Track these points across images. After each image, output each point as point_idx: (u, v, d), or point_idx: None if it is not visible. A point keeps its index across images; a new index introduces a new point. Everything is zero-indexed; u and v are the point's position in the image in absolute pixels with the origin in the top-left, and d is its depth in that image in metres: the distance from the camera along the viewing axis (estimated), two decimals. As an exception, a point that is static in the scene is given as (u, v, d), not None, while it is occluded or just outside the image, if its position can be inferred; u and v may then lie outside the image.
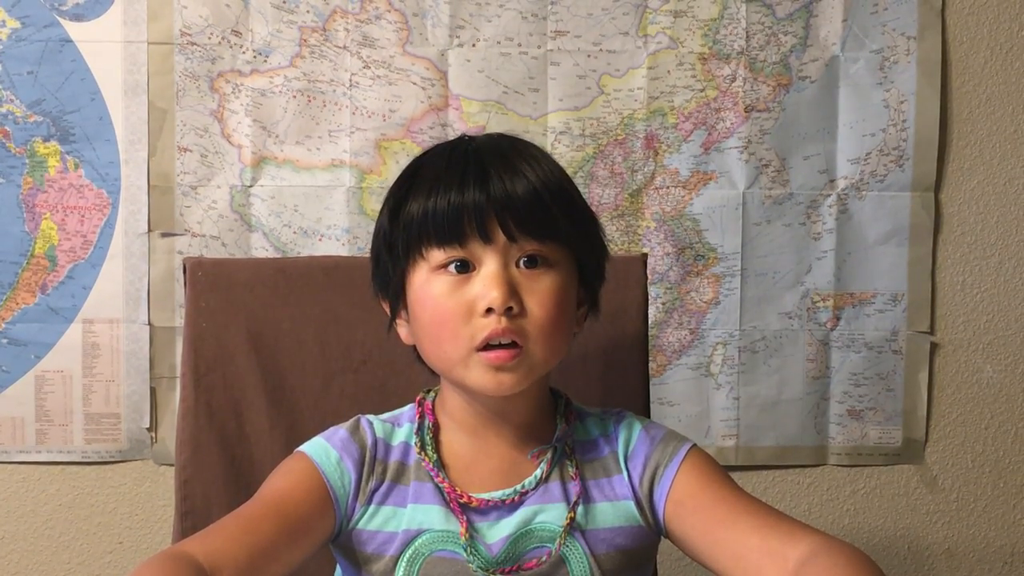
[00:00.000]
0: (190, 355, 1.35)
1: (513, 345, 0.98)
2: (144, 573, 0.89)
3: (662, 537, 1.08)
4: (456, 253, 0.98)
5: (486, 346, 0.98)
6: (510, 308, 0.97)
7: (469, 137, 1.06)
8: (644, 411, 1.36)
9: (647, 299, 1.40)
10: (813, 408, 1.90)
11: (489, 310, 0.97)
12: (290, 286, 1.37)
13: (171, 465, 1.65)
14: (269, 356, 1.35)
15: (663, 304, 1.87)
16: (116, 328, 1.83)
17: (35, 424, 1.84)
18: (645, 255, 1.43)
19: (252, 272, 1.39)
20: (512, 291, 0.98)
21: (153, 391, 1.84)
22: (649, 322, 1.42)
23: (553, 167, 1.04)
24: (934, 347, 1.92)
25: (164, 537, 1.83)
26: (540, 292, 0.99)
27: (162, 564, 0.89)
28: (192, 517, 1.31)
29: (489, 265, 0.98)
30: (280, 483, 1.03)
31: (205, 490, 1.32)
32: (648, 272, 1.42)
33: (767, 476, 1.91)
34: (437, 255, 0.99)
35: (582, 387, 1.31)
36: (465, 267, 0.99)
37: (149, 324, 1.83)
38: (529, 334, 0.98)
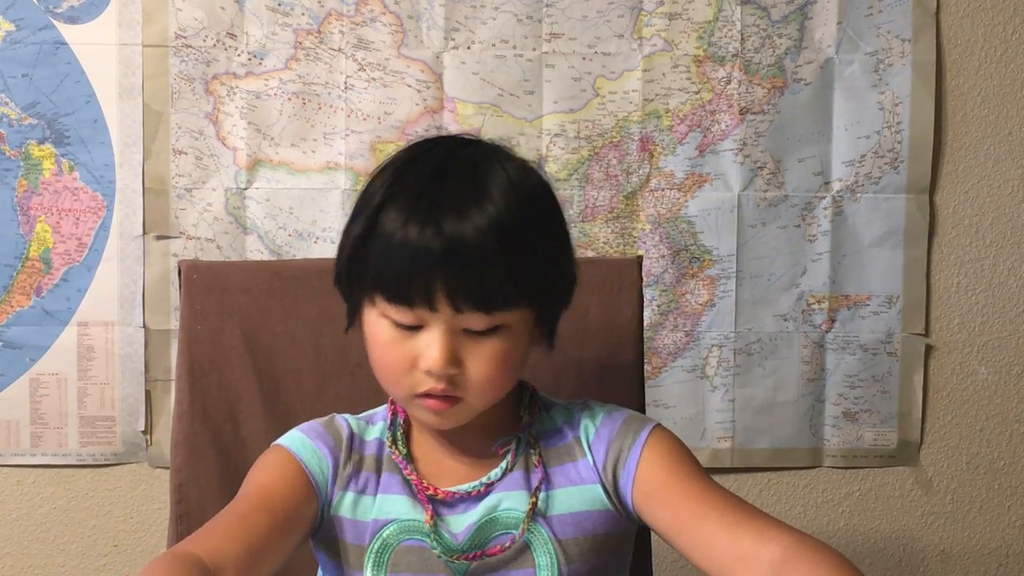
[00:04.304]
0: (185, 358, 1.35)
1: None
2: (152, 573, 0.89)
3: (637, 524, 1.08)
4: (404, 315, 0.98)
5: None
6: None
7: (441, 168, 1.01)
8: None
9: (642, 302, 1.40)
10: (808, 410, 1.90)
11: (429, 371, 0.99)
12: (285, 289, 1.37)
13: (166, 468, 1.64)
14: (264, 359, 1.35)
15: (658, 306, 1.87)
16: (111, 331, 1.83)
17: (30, 427, 1.84)
18: (640, 257, 1.43)
19: (247, 275, 1.39)
20: (454, 358, 0.98)
21: (148, 394, 1.84)
22: (644, 324, 1.42)
23: (517, 212, 0.98)
24: (929, 349, 1.92)
25: (159, 540, 1.82)
26: (483, 356, 0.99)
27: (170, 564, 0.90)
28: (187, 520, 1.31)
29: (434, 329, 0.98)
30: (263, 477, 1.05)
31: (200, 493, 1.32)
32: (643, 274, 1.42)
33: (762, 478, 1.92)
34: (386, 308, 0.99)
35: (577, 389, 1.31)
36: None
37: (144, 327, 1.83)
38: (468, 390, 1.00)
